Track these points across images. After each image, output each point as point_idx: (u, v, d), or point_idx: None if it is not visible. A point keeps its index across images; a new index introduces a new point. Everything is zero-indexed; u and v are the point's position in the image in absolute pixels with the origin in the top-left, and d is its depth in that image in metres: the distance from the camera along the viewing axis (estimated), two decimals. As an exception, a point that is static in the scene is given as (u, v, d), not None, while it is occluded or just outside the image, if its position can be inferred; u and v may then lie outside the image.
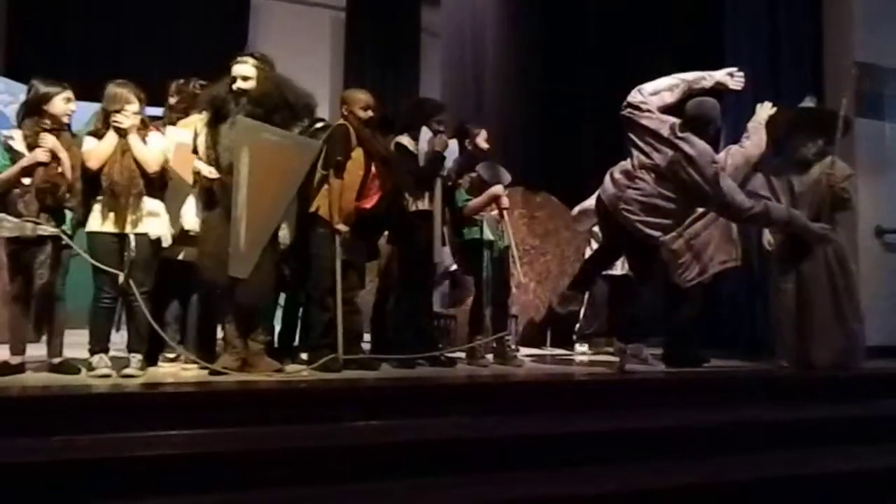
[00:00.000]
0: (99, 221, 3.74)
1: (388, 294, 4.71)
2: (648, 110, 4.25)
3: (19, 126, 3.76)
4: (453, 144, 4.58)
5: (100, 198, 3.74)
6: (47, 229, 3.62)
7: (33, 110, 3.75)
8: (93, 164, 3.72)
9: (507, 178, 4.86)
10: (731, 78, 4.42)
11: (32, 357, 3.80)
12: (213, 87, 3.95)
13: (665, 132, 4.19)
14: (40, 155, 3.61)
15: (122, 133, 3.75)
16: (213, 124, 3.85)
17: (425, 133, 4.47)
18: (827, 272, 4.60)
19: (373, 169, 4.20)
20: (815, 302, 4.59)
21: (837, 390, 4.38)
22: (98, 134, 3.79)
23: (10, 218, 3.59)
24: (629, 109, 4.29)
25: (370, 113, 4.29)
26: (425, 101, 4.89)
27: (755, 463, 3.39)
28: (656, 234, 4.23)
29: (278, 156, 3.81)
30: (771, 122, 4.61)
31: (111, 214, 3.72)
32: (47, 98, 3.73)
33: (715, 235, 4.81)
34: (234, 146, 3.74)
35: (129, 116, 3.77)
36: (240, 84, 3.83)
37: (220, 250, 3.75)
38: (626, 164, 4.31)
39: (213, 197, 3.84)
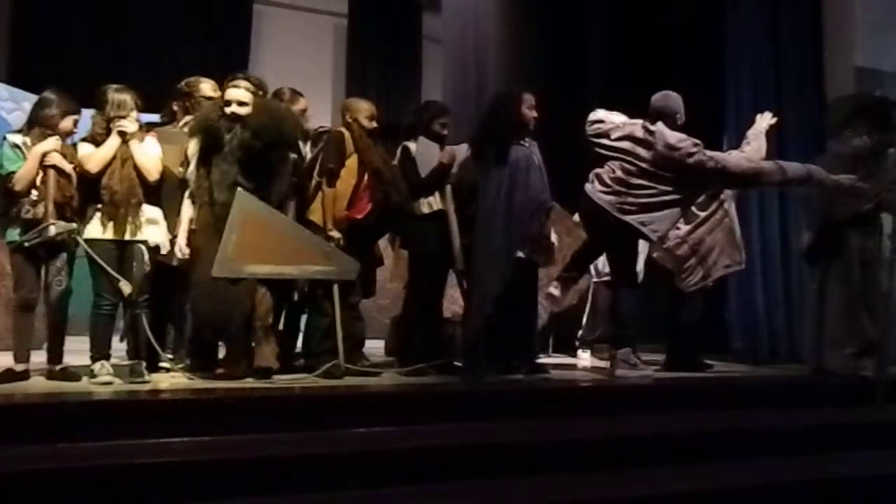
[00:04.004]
0: (98, 229, 3.71)
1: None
2: (612, 122, 4.40)
3: (24, 133, 3.72)
4: (462, 149, 4.45)
5: (99, 205, 3.71)
6: (69, 226, 3.63)
7: (46, 123, 3.73)
8: (93, 167, 3.69)
9: None
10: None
11: (33, 364, 3.78)
12: (202, 112, 3.91)
13: (639, 134, 4.30)
14: (57, 159, 3.63)
15: (125, 139, 3.73)
16: (205, 156, 3.82)
17: (423, 141, 4.37)
18: (844, 273, 4.48)
19: (365, 179, 4.15)
20: (829, 304, 4.53)
21: (839, 395, 4.35)
22: (95, 140, 3.76)
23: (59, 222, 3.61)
24: (595, 126, 4.45)
25: (374, 123, 4.26)
26: (429, 104, 4.81)
27: (752, 469, 3.38)
28: (655, 233, 4.28)
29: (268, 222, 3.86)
30: (770, 132, 4.62)
31: (111, 223, 3.70)
32: (63, 115, 3.75)
33: (720, 239, 4.81)
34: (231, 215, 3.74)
35: (133, 122, 3.76)
36: (235, 109, 3.80)
37: (214, 290, 3.74)
38: (611, 173, 4.34)
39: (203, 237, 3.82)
